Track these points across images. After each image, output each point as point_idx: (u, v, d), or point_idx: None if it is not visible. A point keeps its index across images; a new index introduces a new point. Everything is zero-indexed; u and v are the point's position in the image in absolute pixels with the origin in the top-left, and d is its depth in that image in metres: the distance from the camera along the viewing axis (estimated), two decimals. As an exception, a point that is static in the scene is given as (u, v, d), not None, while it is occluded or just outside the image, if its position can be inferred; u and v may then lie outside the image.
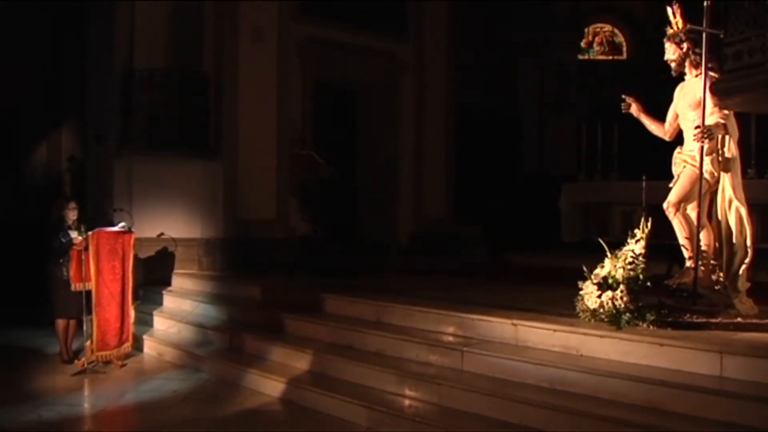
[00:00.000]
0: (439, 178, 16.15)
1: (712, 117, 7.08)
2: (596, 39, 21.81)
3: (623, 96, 7.88)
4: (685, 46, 7.32)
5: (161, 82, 12.40)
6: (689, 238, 7.39)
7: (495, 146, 18.62)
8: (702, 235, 7.29)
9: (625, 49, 21.86)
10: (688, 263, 7.43)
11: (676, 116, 7.66)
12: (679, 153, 7.57)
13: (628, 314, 6.71)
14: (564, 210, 14.55)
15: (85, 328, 9.41)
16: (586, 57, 21.63)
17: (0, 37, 14.62)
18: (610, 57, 21.82)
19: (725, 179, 7.16)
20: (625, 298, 6.75)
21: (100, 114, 13.58)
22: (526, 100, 20.17)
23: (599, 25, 21.84)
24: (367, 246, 14.68)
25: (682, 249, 7.51)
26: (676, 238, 7.55)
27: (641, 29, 20.82)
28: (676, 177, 7.54)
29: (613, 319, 6.76)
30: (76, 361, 9.52)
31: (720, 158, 7.18)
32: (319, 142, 13.72)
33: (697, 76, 7.30)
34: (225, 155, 12.90)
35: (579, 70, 20.66)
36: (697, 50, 7.21)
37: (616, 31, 21.87)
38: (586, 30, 21.72)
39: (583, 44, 21.62)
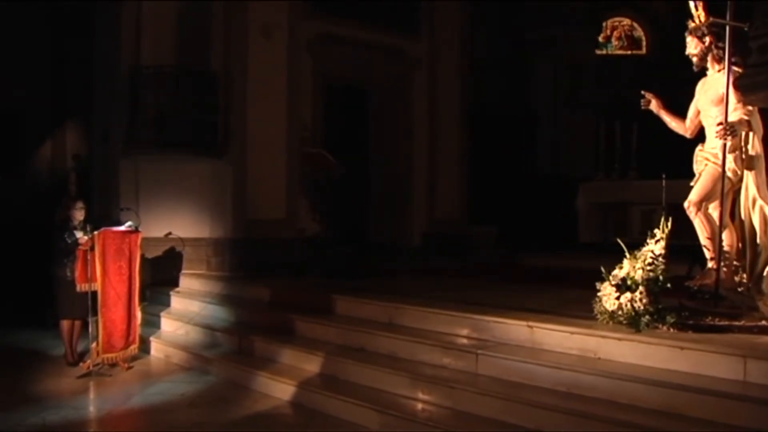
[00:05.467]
0: (452, 177, 16.09)
1: (736, 113, 7.01)
2: (614, 33, 21.53)
3: (642, 92, 7.81)
4: (707, 40, 7.25)
5: (169, 79, 12.37)
6: (711, 239, 7.30)
7: (510, 145, 18.52)
8: (724, 236, 7.19)
9: (644, 43, 21.57)
10: (710, 264, 7.34)
11: (698, 113, 7.58)
12: (700, 150, 7.49)
13: (647, 316, 6.62)
14: (581, 210, 14.56)
15: (90, 329, 9.35)
16: (604, 52, 21.39)
17: (3, 36, 14.66)
18: (629, 52, 21.55)
19: (749, 177, 7.09)
20: (644, 300, 6.65)
21: (106, 112, 13.56)
22: (541, 97, 20.07)
23: (617, 19, 21.55)
24: (379, 246, 14.69)
25: (704, 249, 7.42)
26: (697, 239, 7.47)
27: (661, 23, 20.55)
28: (697, 175, 7.46)
29: (631, 322, 6.68)
30: (81, 364, 9.48)
31: (743, 156, 7.12)
32: (330, 140, 13.69)
33: (719, 71, 7.23)
34: (234, 154, 12.83)
35: (596, 65, 20.50)
36: (719, 44, 7.14)
37: (635, 25, 21.58)
38: (603, 24, 21.47)
39: (600, 39, 21.37)
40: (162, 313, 11.21)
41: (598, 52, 21.10)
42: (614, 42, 21.43)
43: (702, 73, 7.49)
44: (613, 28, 21.45)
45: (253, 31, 12.95)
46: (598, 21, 21.11)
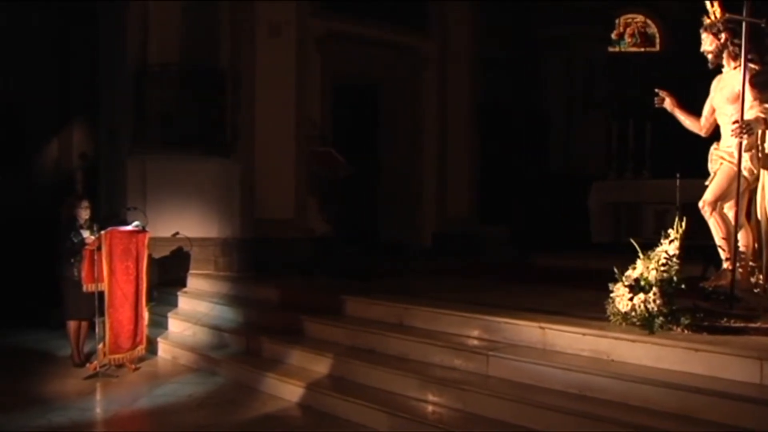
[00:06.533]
0: (462, 176, 16.06)
1: (752, 111, 6.88)
2: (627, 30, 21.36)
3: (656, 90, 7.69)
4: (723, 36, 7.11)
5: (176, 77, 12.35)
6: (726, 239, 7.17)
7: (521, 144, 18.44)
8: (740, 236, 7.08)
9: (658, 40, 21.41)
10: (725, 265, 7.23)
11: (713, 111, 7.46)
12: (715, 149, 7.37)
13: (661, 318, 6.55)
14: (594, 210, 14.45)
15: (97, 330, 9.34)
16: (617, 49, 21.25)
17: (9, 32, 14.71)
18: (642, 49, 21.37)
19: (765, 176, 6.98)
20: (658, 301, 6.59)
21: (112, 111, 13.56)
22: (553, 95, 19.90)
23: (630, 15, 21.37)
24: (388, 246, 14.67)
25: (719, 250, 7.30)
26: (712, 239, 7.35)
27: (675, 19, 20.37)
28: (712, 174, 7.34)
29: (645, 323, 6.61)
30: (87, 365, 9.44)
31: (759, 154, 7.00)
32: (339, 139, 13.59)
33: (735, 68, 7.09)
34: (242, 153, 12.81)
35: (609, 63, 20.36)
36: (735, 41, 7.00)
37: (649, 21, 21.41)
38: (616, 21, 21.32)
39: (613, 36, 21.21)
40: (169, 314, 11.17)
41: (610, 49, 20.97)
42: (627, 39, 21.26)
43: (717, 70, 7.37)
44: (626, 25, 21.27)
45: (260, 29, 12.94)
46: (610, 18, 20.98)
